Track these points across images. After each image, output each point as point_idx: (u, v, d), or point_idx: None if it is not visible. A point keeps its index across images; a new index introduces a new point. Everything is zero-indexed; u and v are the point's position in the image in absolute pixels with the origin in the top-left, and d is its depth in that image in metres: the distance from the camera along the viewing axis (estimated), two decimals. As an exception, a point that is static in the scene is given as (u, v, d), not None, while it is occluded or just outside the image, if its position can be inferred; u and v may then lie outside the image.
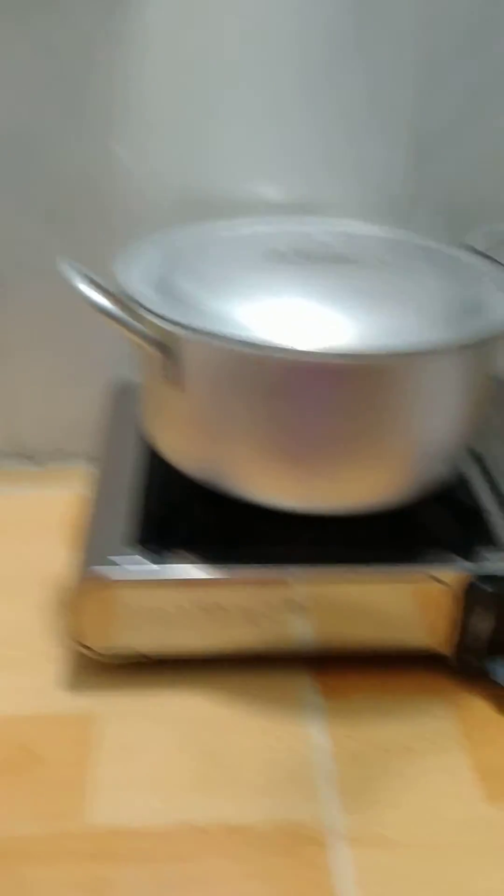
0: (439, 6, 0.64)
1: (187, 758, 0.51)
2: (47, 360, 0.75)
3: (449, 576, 0.54)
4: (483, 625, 0.55)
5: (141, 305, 0.52)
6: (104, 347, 0.69)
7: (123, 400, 0.72)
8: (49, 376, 0.76)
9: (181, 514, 0.59)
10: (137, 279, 0.55)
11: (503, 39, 0.65)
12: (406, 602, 0.55)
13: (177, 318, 0.51)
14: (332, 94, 0.66)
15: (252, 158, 0.68)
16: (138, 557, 0.54)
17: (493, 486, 0.62)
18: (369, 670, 0.57)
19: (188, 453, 0.57)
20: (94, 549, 0.55)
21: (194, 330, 0.50)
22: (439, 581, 0.54)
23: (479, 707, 0.55)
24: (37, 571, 0.64)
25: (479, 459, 0.65)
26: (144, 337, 0.52)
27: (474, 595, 0.54)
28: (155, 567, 0.54)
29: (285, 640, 0.56)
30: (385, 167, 0.69)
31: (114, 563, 0.53)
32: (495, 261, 0.60)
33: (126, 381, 0.72)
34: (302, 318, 0.51)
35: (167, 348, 0.52)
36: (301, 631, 0.55)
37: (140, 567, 0.54)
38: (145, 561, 0.54)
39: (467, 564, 0.54)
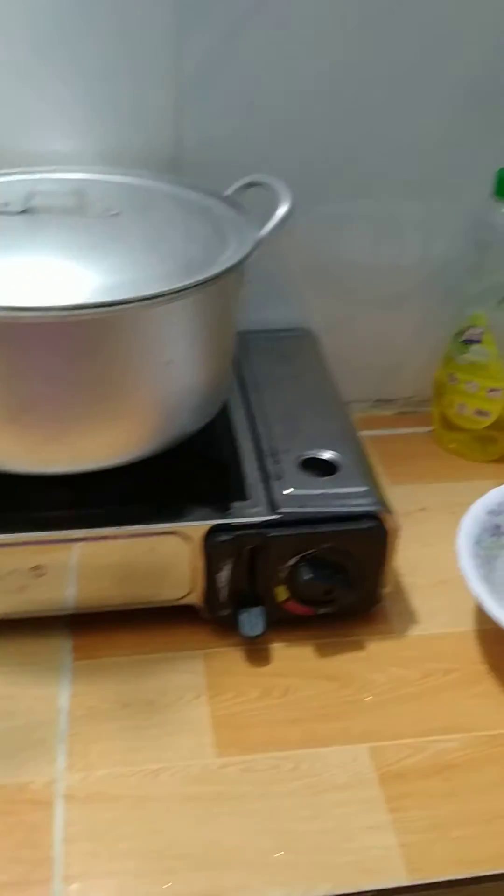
0: None
1: None
2: None
3: (190, 528, 0.54)
4: (226, 574, 0.55)
5: None
6: None
7: None
8: None
9: None
10: None
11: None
12: (153, 558, 0.55)
13: None
14: (86, 38, 0.64)
15: (6, 110, 0.65)
16: None
17: (255, 435, 0.62)
18: (127, 628, 0.57)
19: None
20: None
21: None
22: (181, 535, 0.55)
23: (229, 659, 0.56)
24: None
25: (246, 408, 0.65)
26: None
27: (214, 546, 0.54)
28: None
29: (36, 605, 0.55)
30: (147, 115, 0.67)
31: None
32: (244, 210, 0.60)
33: None
34: (17, 274, 0.50)
35: None
36: (51, 595, 0.55)
37: None
38: None
39: (208, 516, 0.55)
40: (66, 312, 0.48)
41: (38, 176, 0.61)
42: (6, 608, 0.55)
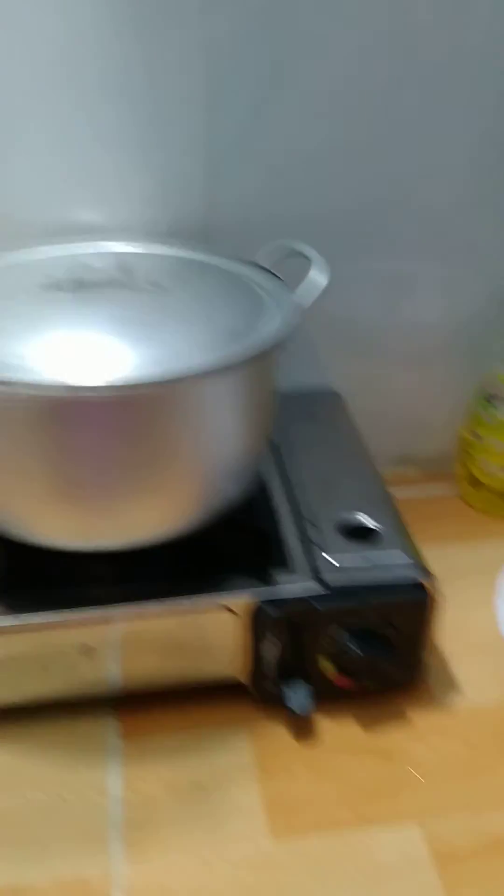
0: (222, 19, 0.62)
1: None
2: None
3: (237, 603, 0.54)
4: (274, 650, 0.55)
5: None
6: None
7: None
8: None
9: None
10: None
11: (283, 51, 0.64)
12: (199, 633, 0.55)
13: None
14: (118, 110, 0.64)
15: (41, 181, 0.65)
16: None
17: (292, 501, 0.62)
18: (173, 706, 0.56)
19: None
20: None
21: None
22: (228, 609, 0.54)
23: (276, 735, 0.55)
24: None
25: (280, 473, 0.65)
26: None
27: (262, 620, 0.54)
28: None
29: (83, 684, 0.54)
30: (178, 184, 0.67)
31: None
32: (278, 277, 0.60)
33: None
34: (68, 351, 0.49)
35: None
36: (98, 674, 0.54)
37: None
38: None
39: (254, 590, 0.54)
40: (120, 389, 0.48)
41: (80, 248, 0.61)
42: (54, 690, 0.54)
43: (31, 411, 0.49)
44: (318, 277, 0.58)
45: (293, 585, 0.55)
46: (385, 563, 0.57)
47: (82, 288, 0.55)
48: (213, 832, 0.49)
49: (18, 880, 0.47)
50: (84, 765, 0.53)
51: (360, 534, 0.59)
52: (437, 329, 0.77)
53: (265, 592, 0.54)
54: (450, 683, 0.59)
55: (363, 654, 0.54)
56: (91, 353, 0.49)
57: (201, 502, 0.55)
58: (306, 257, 0.60)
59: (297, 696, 0.55)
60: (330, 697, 0.56)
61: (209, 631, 0.55)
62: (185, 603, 0.54)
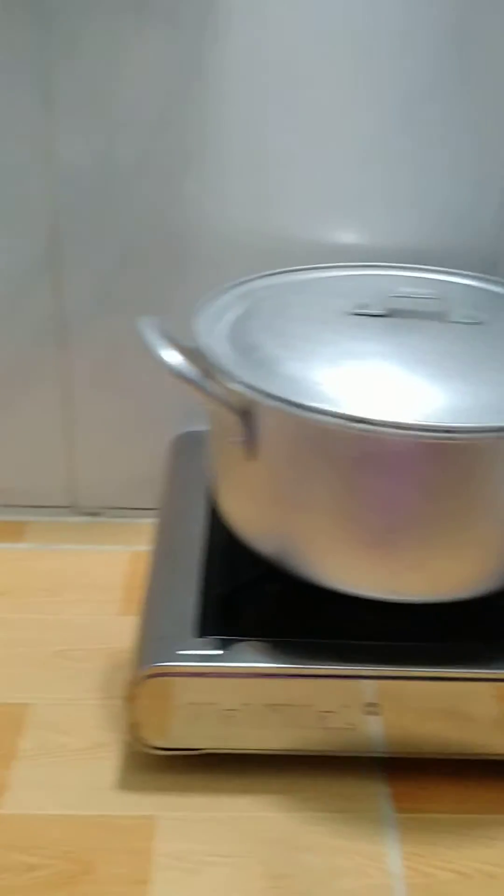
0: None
1: (250, 879, 0.46)
2: (110, 409, 0.71)
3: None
4: None
5: (217, 367, 0.48)
6: (169, 397, 0.66)
7: (187, 454, 0.68)
8: (111, 426, 0.71)
9: (248, 595, 0.54)
10: (215, 337, 0.51)
11: None
12: (488, 703, 0.49)
13: (254, 382, 0.46)
14: (421, 135, 0.62)
15: (335, 202, 0.64)
16: (200, 647, 0.50)
17: None
18: (447, 777, 0.51)
19: (258, 528, 0.52)
20: (151, 637, 0.51)
21: (272, 396, 0.45)
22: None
23: None
24: (95, 642, 0.60)
25: None
26: (220, 401, 0.47)
27: None
28: (218, 659, 0.49)
29: (357, 741, 0.50)
30: (476, 213, 0.64)
31: (173, 654, 0.49)
32: None
33: (191, 433, 0.69)
34: (388, 386, 0.46)
35: (243, 413, 0.47)
36: (375, 731, 0.50)
37: (202, 658, 0.49)
38: (208, 651, 0.49)
39: None
40: (448, 434, 0.44)
41: (389, 273, 0.59)
42: (328, 743, 0.50)
43: (342, 445, 0.46)
44: None
45: None
46: None
47: (394, 317, 0.52)
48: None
49: None
50: (357, 831, 0.48)
51: None
52: None
53: None
54: None
55: None
56: (410, 390, 0.46)
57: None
58: None
59: None
60: None
61: (501, 702, 0.49)
62: (481, 669, 0.49)
